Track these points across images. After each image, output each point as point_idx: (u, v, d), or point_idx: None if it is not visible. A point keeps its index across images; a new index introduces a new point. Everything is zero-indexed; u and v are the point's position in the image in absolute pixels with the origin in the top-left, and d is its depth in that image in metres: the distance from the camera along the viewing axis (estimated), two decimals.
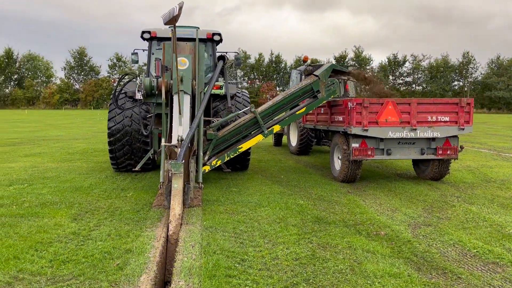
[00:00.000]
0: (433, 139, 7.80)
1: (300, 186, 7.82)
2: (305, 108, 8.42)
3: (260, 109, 8.29)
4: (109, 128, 8.70)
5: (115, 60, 78.63)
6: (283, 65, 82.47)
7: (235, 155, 8.14)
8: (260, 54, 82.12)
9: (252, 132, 8.26)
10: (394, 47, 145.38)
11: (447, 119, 7.73)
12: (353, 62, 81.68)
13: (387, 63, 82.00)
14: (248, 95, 9.65)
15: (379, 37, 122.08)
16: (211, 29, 9.88)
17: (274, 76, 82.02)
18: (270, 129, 8.27)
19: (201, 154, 7.82)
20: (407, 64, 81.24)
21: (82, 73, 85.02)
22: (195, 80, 7.88)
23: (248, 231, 5.13)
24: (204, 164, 7.91)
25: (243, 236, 4.95)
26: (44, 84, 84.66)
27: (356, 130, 7.50)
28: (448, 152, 7.89)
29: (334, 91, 8.43)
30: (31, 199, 6.60)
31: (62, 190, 7.29)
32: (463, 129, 7.72)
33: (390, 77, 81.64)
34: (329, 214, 5.93)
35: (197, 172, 7.66)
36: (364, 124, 7.47)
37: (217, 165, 8.02)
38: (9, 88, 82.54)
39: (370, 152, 7.69)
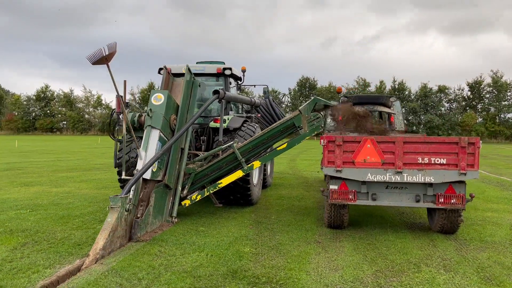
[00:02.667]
0: (430, 184, 6.45)
1: (274, 229, 7.11)
2: (286, 144, 7.79)
3: (240, 144, 7.90)
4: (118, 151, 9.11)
5: (238, 92, 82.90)
6: (406, 92, 77.78)
7: (214, 190, 7.92)
8: (381, 82, 78.92)
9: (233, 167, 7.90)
10: None
11: (443, 161, 6.33)
12: (490, 88, 73.27)
13: None
14: (254, 129, 9.23)
15: None
16: (224, 65, 9.87)
17: None
18: (250, 165, 7.82)
19: (179, 188, 7.74)
20: None
21: None
22: (176, 115, 7.86)
23: (139, 280, 4.80)
24: (185, 198, 7.82)
25: (126, 286, 4.63)
26: None
27: (328, 170, 6.60)
28: (452, 201, 6.43)
29: (318, 126, 7.62)
30: (10, 225, 7.17)
31: (50, 217, 7.77)
32: (464, 174, 6.23)
33: None
34: (255, 267, 5.24)
35: (172, 206, 7.58)
36: (337, 164, 6.53)
37: (197, 199, 7.86)
38: None
39: (351, 196, 6.67)
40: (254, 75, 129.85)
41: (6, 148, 31.34)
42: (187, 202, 7.87)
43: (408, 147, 6.40)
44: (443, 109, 75.98)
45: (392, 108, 11.21)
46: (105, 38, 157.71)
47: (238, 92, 11.38)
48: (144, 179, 7.06)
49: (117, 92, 6.46)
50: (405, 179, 6.39)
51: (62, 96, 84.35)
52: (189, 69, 8.33)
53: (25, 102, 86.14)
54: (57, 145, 38.64)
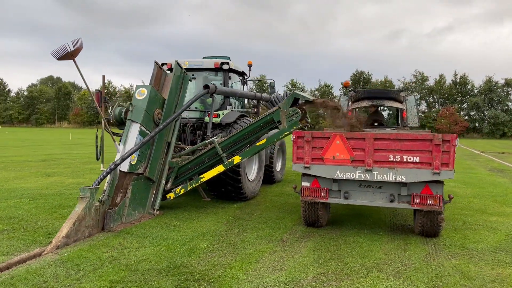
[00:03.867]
0: (404, 184, 6.01)
1: (247, 226, 6.96)
2: (266, 139, 7.59)
3: (222, 139, 7.82)
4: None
5: (290, 86, 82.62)
6: (469, 86, 73.21)
7: (197, 184, 7.94)
8: (440, 76, 74.79)
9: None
10: None
11: (416, 159, 5.86)
12: None
13: None
14: None
15: None
16: (222, 60, 9.79)
17: (457, 99, 73.40)
18: (230, 160, 7.73)
19: (163, 181, 7.82)
20: None
21: None
22: (161, 109, 7.91)
23: (77, 271, 4.88)
24: (169, 191, 7.90)
25: (61, 276, 4.73)
26: None
27: (297, 167, 6.37)
28: (429, 201, 5.95)
29: (297, 122, 7.36)
30: (1, 213, 7.58)
31: (43, 207, 8.13)
32: (438, 173, 5.73)
33: None
34: (199, 264, 5.17)
35: (155, 198, 7.67)
36: (306, 160, 6.26)
37: (181, 193, 7.96)
38: None
39: (323, 194, 6.41)
40: (313, 68, 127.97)
41: (60, 141, 33.43)
42: (171, 195, 7.97)
43: (379, 144, 6.01)
44: (510, 104, 70.84)
45: (404, 103, 10.58)
46: (170, 36, 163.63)
47: (244, 86, 11.25)
48: (123, 172, 7.20)
49: (87, 87, 6.61)
50: (375, 178, 6.01)
51: (123, 92, 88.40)
52: (178, 64, 8.34)
53: (90, 97, 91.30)
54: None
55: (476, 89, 72.64)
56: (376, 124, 11.08)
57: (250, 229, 6.80)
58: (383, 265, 5.18)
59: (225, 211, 8.11)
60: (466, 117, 70.95)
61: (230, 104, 9.92)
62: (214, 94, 8.58)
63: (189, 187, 7.90)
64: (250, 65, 11.18)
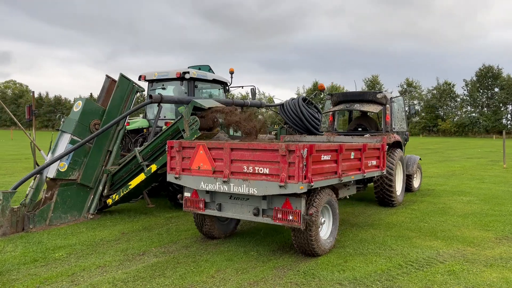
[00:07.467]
0: (264, 197, 5.53)
1: (135, 238, 6.81)
2: None
3: (142, 148, 8.03)
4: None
5: (405, 86, 77.10)
6: None
7: (127, 191, 8.13)
8: None
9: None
10: None
11: (266, 171, 5.31)
12: None
13: None
14: None
15: None
16: (184, 69, 9.71)
17: None
18: (149, 168, 7.85)
19: (100, 188, 8.16)
20: None
21: None
22: (100, 120, 8.18)
23: None
24: (107, 197, 8.29)
25: None
26: None
27: (170, 177, 6.28)
28: (289, 217, 5.33)
29: (196, 130, 7.22)
30: None
31: None
32: (284, 186, 5.10)
33: None
34: (21, 275, 5.23)
35: (91, 203, 8.05)
36: (177, 171, 6.13)
37: (116, 199, 8.26)
38: None
39: (201, 205, 6.19)
40: (459, 65, 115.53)
41: None
42: (109, 201, 8.34)
43: (235, 154, 5.60)
44: None
45: (388, 106, 9.23)
46: (306, 42, 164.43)
47: (226, 94, 10.99)
48: (50, 178, 7.68)
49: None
50: (231, 190, 5.62)
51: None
52: (123, 76, 8.56)
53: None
54: None
55: None
56: (360, 129, 9.94)
57: (133, 241, 6.63)
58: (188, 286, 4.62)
59: (149, 219, 8.11)
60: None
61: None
62: (161, 104, 8.57)
63: (122, 194, 8.16)
64: (232, 72, 10.95)
